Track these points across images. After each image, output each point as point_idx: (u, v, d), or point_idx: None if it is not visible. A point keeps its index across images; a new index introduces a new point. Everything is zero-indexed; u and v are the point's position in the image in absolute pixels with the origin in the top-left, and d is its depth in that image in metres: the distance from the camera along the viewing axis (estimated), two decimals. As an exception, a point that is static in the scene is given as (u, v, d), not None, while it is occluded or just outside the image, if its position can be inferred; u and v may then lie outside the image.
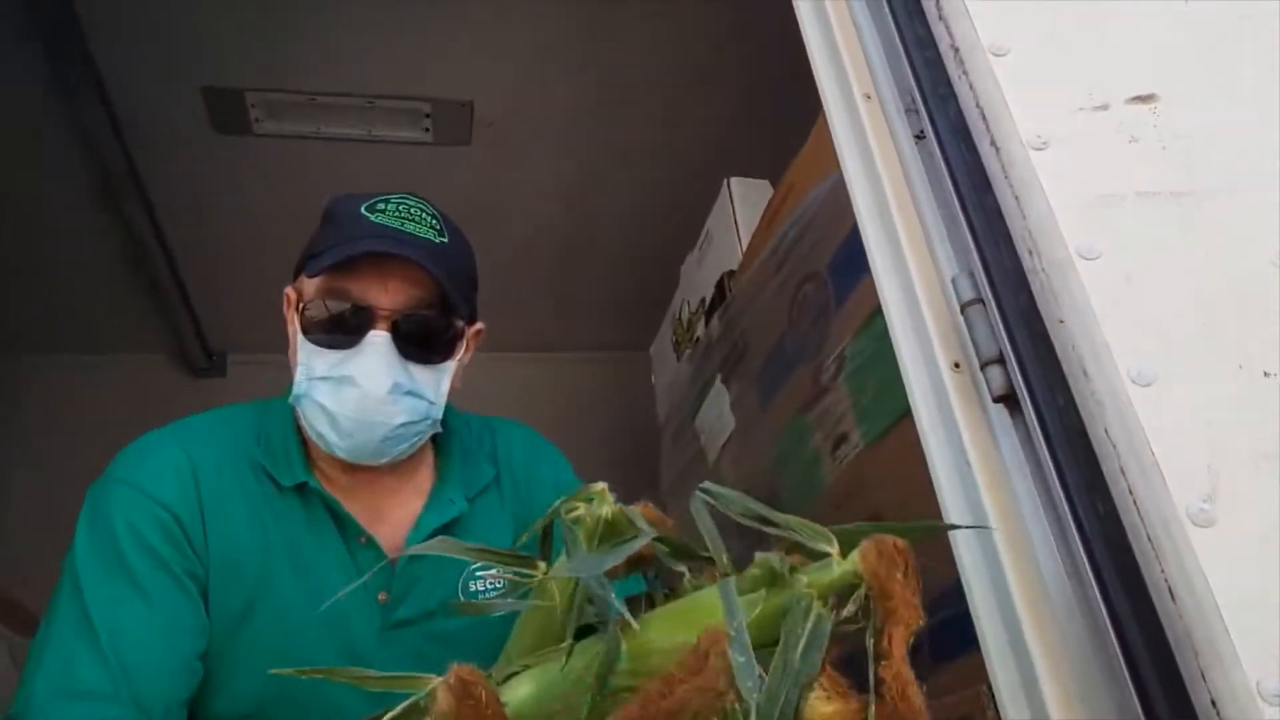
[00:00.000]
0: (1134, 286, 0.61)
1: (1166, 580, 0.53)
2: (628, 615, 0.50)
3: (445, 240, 1.00)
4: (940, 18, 0.76)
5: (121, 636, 0.88)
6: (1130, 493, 0.56)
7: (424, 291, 0.97)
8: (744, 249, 1.39)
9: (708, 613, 0.49)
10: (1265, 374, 0.58)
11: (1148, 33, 0.73)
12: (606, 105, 2.27)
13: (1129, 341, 0.59)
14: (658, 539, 0.56)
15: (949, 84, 0.77)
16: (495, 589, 1.03)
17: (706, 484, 0.56)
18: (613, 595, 0.50)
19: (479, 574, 1.03)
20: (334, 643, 0.96)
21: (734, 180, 1.51)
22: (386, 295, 0.96)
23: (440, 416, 1.01)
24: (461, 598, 1.01)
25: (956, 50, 0.74)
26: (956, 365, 0.73)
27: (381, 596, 0.99)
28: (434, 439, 1.05)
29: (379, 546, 1.00)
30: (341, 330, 0.96)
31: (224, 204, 2.40)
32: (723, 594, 0.47)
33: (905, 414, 0.90)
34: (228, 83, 2.11)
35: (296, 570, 0.97)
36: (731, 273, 1.38)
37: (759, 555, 0.50)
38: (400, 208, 0.99)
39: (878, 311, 0.96)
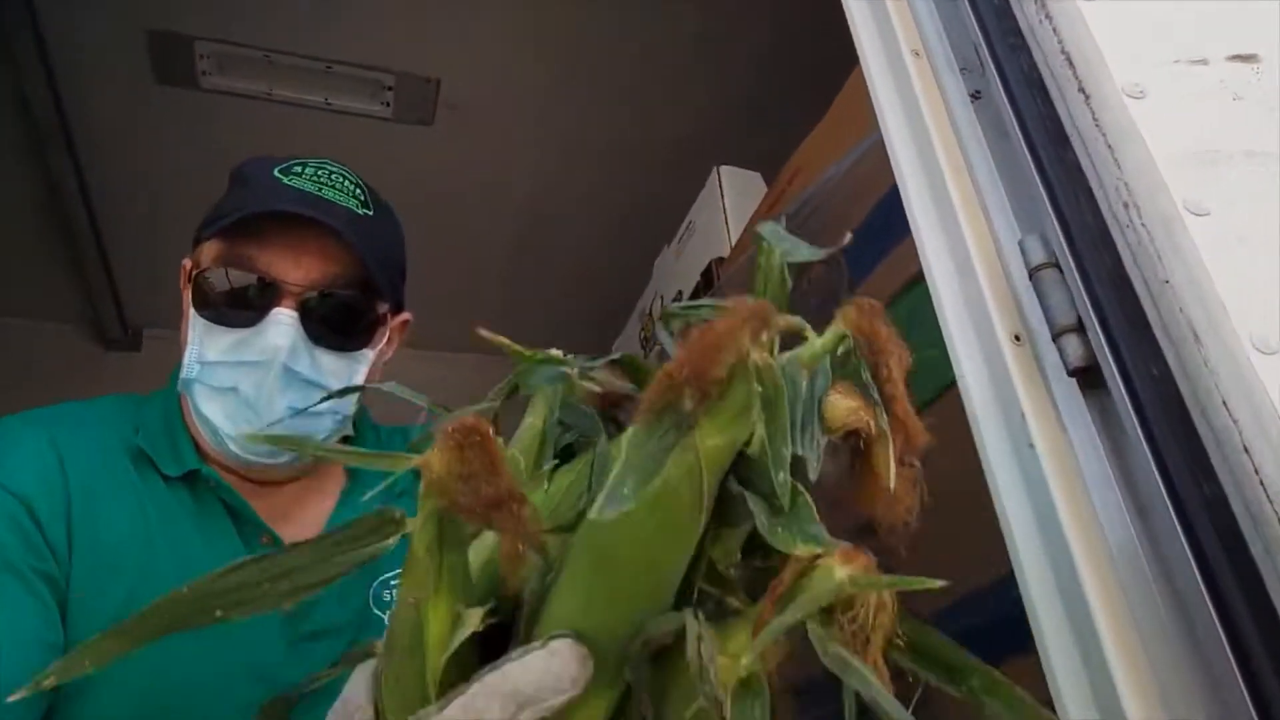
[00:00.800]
0: (1248, 248, 0.54)
1: (1304, 575, 0.45)
2: (599, 426, 0.48)
3: (370, 213, 0.87)
4: (1016, -41, 0.69)
5: None
6: (1257, 473, 0.48)
7: (341, 268, 0.84)
8: (733, 238, 1.31)
9: None
10: (1398, 350, 0.51)
11: (1246, -10, 0.67)
12: (580, 97, 2.19)
13: (1248, 305, 0.52)
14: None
15: (1019, 33, 0.70)
16: None
17: (674, 305, 0.53)
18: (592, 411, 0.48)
19: (392, 583, 0.89)
20: (234, 658, 0.80)
21: (724, 169, 1.44)
22: (298, 269, 0.83)
23: (349, 414, 0.88)
24: (373, 608, 0.88)
25: (1037, -8, 0.67)
26: (1017, 338, 0.65)
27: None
28: (343, 440, 0.92)
29: (283, 549, 0.85)
30: (242, 305, 0.82)
31: (158, 163, 2.22)
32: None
33: (933, 400, 0.82)
34: (177, 28, 1.96)
35: (183, 572, 0.80)
36: (720, 260, 1.30)
37: None
38: (320, 172, 0.87)
39: (902, 292, 0.89)
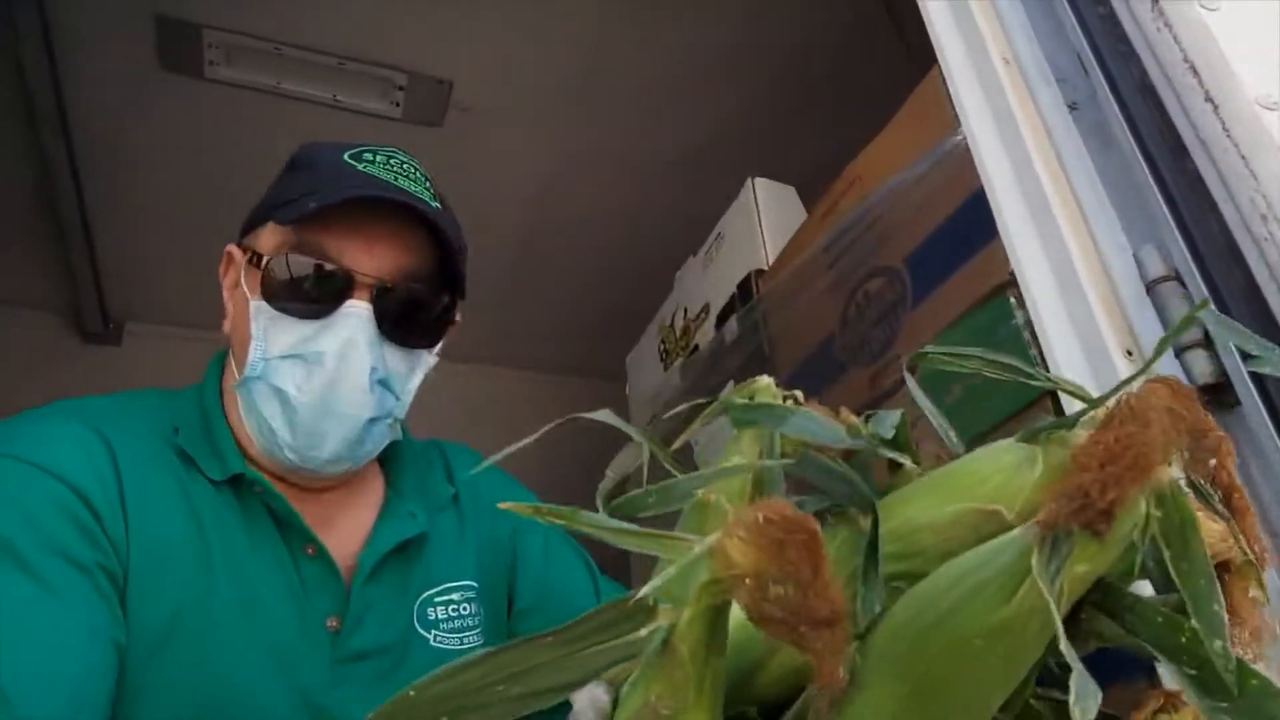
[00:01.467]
0: (1399, 264, 0.52)
1: None
2: (868, 490, 0.40)
3: (439, 206, 0.83)
4: (1130, -33, 0.68)
5: (18, 648, 0.63)
6: None
7: (415, 260, 0.80)
8: (769, 250, 1.28)
9: (982, 476, 0.39)
10: None
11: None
12: (595, 104, 2.16)
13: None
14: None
15: (1128, 40, 0.69)
16: (457, 617, 0.85)
17: (927, 349, 0.46)
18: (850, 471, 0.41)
19: (437, 600, 0.84)
20: (279, 678, 0.75)
21: (759, 181, 1.42)
22: (372, 260, 0.78)
23: (403, 418, 0.84)
24: (417, 627, 0.83)
25: (1156, 2, 0.65)
26: (1129, 353, 0.63)
27: (331, 623, 0.78)
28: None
29: (330, 559, 0.80)
30: (312, 297, 0.77)
31: (156, 153, 2.15)
32: None
33: (1004, 420, 0.80)
34: (186, 15, 1.90)
35: (235, 576, 0.76)
36: (760, 272, 1.27)
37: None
38: (392, 161, 0.83)
39: (979, 306, 0.86)
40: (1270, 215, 0.56)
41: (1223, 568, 0.33)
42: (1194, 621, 0.29)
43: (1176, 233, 0.61)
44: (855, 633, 0.35)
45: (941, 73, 0.89)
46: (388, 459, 0.87)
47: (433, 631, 0.82)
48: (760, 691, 0.40)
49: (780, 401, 0.46)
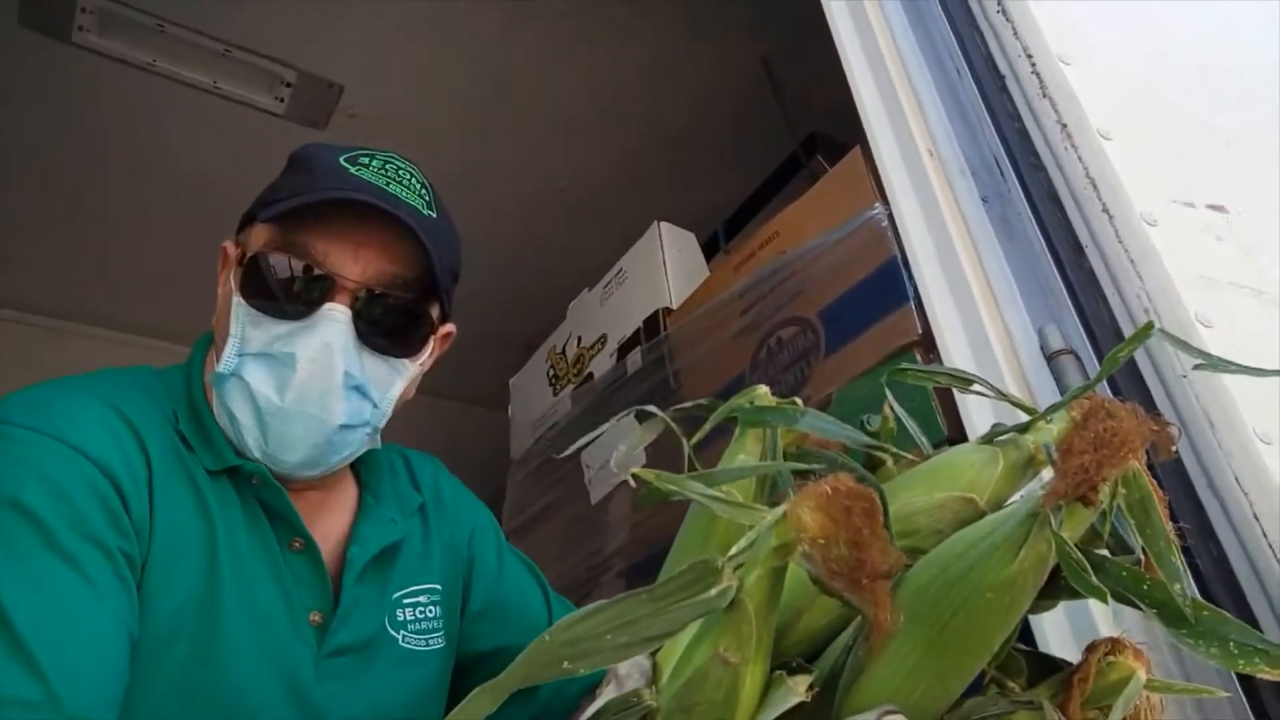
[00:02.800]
0: (1243, 358, 0.68)
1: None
2: (869, 476, 0.45)
3: (434, 215, 0.83)
4: (1044, 95, 0.82)
5: (54, 627, 0.61)
6: (1264, 536, 0.60)
7: (401, 268, 0.79)
8: (673, 291, 1.37)
9: (958, 471, 0.46)
10: (1344, 453, 0.65)
11: (1214, 151, 0.83)
12: (491, 129, 2.20)
13: (1249, 402, 0.64)
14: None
15: (1038, 154, 0.83)
16: (423, 619, 0.86)
17: (905, 366, 0.53)
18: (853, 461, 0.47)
19: (406, 602, 0.85)
20: (273, 672, 0.74)
21: (664, 225, 1.52)
22: (356, 264, 0.77)
23: (380, 427, 0.84)
24: (387, 628, 0.83)
25: (1065, 127, 0.80)
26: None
27: (314, 618, 0.78)
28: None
29: (318, 554, 0.80)
30: (292, 297, 0.77)
31: (7, 117, 1.98)
32: None
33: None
34: (63, -27, 1.78)
35: (238, 567, 0.75)
36: (668, 310, 1.35)
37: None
38: (388, 166, 0.82)
39: (886, 361, 0.98)
40: (1151, 309, 0.70)
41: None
42: (1159, 573, 0.38)
43: (1075, 316, 0.75)
44: None
45: (864, 153, 1.01)
46: (360, 462, 0.87)
47: (401, 632, 0.83)
48: (786, 649, 0.46)
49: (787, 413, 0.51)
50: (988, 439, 0.48)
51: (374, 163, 0.81)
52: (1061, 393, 0.74)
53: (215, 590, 0.72)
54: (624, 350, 1.43)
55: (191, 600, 0.71)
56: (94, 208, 2.19)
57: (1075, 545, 0.39)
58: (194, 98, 2.03)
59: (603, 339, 1.53)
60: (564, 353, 1.67)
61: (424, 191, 0.83)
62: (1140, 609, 0.38)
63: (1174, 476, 0.66)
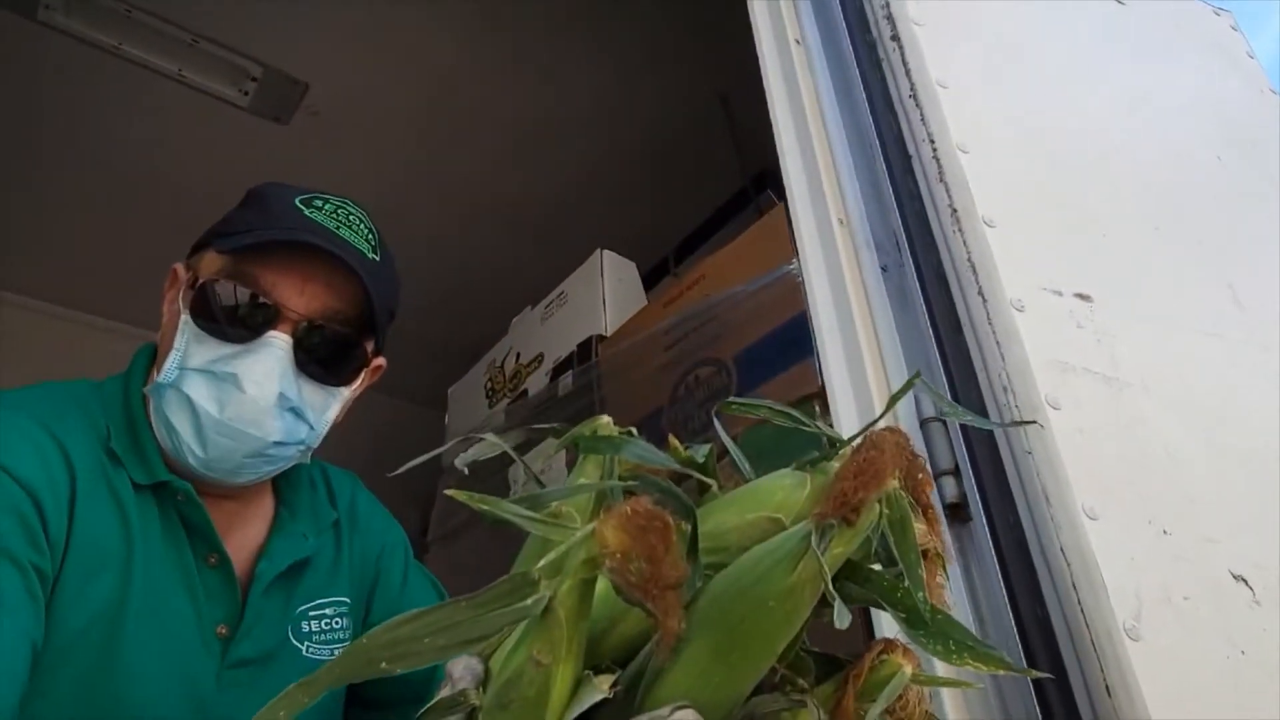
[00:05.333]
0: (1084, 438, 0.75)
1: (1106, 682, 0.64)
2: (684, 497, 0.50)
3: (377, 259, 0.90)
4: (941, 180, 0.90)
5: None
6: (1079, 604, 0.67)
7: (342, 304, 0.86)
8: (609, 318, 1.43)
9: (770, 494, 0.51)
10: (1164, 532, 0.73)
11: (1088, 241, 0.91)
12: (446, 140, 2.24)
13: (1082, 480, 0.72)
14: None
15: (932, 234, 0.90)
16: (329, 630, 0.91)
17: (732, 399, 0.60)
18: (674, 487, 0.51)
19: (312, 614, 0.90)
20: (174, 681, 0.78)
21: (607, 254, 1.57)
22: (301, 298, 0.84)
23: (315, 446, 0.90)
24: (291, 639, 0.88)
25: (955, 212, 0.87)
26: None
27: (221, 630, 0.83)
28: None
29: (231, 569, 0.85)
30: (238, 322, 0.82)
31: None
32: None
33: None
34: (33, -49, 1.80)
35: (146, 585, 0.79)
36: (602, 337, 1.41)
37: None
38: (340, 212, 0.89)
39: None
40: (1009, 388, 0.78)
41: (922, 554, 0.47)
42: (907, 582, 0.43)
43: (946, 388, 0.82)
44: (682, 603, 0.44)
45: (787, 212, 1.08)
46: (281, 476, 0.92)
47: (305, 643, 0.87)
48: (603, 654, 0.51)
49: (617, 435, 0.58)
50: (800, 465, 0.55)
51: (327, 207, 0.87)
52: (930, 455, 0.82)
53: (125, 602, 0.76)
54: (558, 371, 1.49)
55: (104, 611, 0.75)
56: (49, 185, 2.20)
57: (851, 559, 0.45)
58: (160, 85, 2.05)
59: (539, 358, 1.59)
60: (502, 367, 1.72)
61: (370, 236, 0.90)
62: (892, 614, 0.44)
63: (1014, 545, 0.73)
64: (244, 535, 0.88)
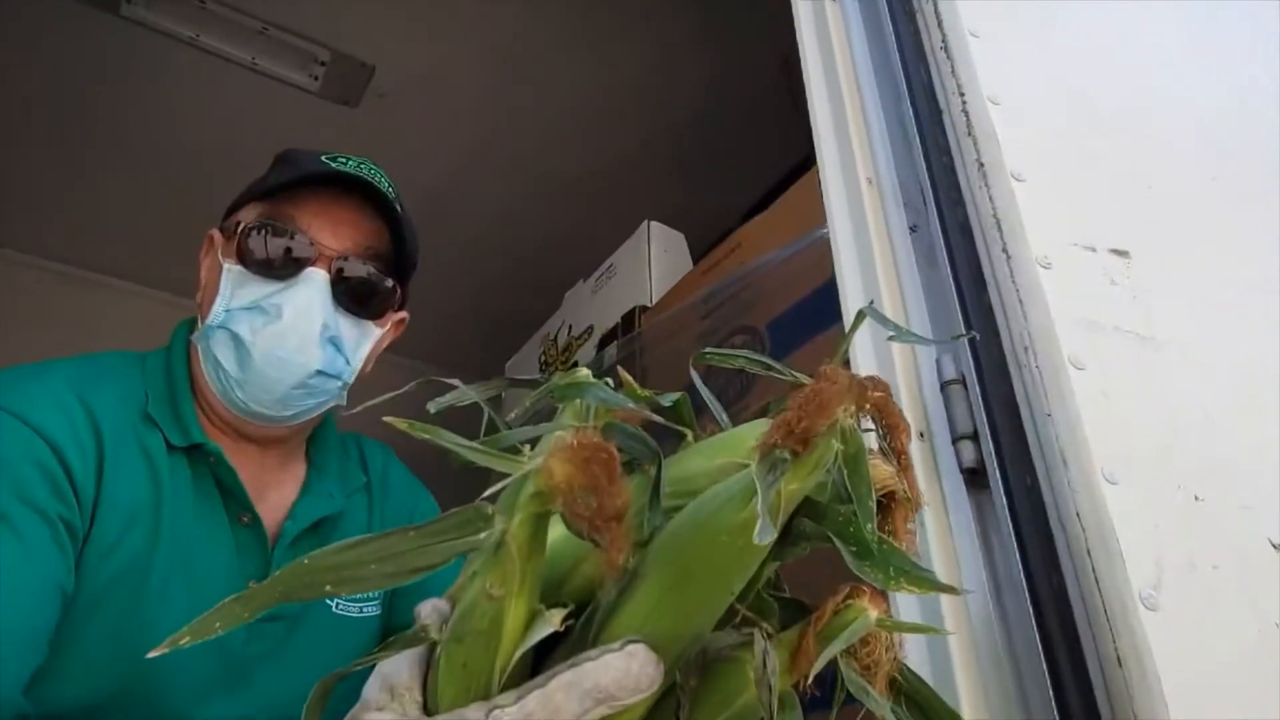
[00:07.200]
0: (1109, 400, 0.71)
1: (1117, 652, 0.61)
2: (655, 446, 0.49)
3: (400, 210, 0.96)
4: (969, 134, 0.86)
5: None
6: (1093, 570, 0.64)
7: (373, 241, 0.94)
8: (654, 290, 1.43)
9: (741, 440, 0.50)
10: (1196, 498, 0.69)
11: (1131, 196, 0.86)
12: (512, 114, 2.26)
13: (1103, 443, 0.68)
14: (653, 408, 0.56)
15: (959, 189, 0.87)
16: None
17: (707, 350, 0.58)
18: (642, 432, 0.50)
19: None
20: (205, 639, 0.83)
21: (654, 225, 1.57)
22: (335, 237, 0.91)
23: (349, 384, 0.95)
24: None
25: (982, 166, 0.83)
26: (921, 435, 0.80)
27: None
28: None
29: (262, 528, 0.90)
30: (279, 262, 0.89)
31: (55, 81, 2.10)
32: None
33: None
34: (113, -49, 1.89)
35: (180, 541, 0.84)
36: (645, 308, 1.41)
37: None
38: (363, 166, 0.95)
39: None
40: (1030, 348, 0.74)
41: (890, 498, 0.47)
42: (857, 516, 0.42)
43: (968, 349, 0.79)
44: (641, 541, 0.46)
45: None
46: (312, 441, 0.97)
47: (335, 600, 0.91)
48: (566, 596, 0.51)
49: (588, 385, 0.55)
50: (775, 413, 0.54)
51: (351, 162, 0.93)
52: (950, 418, 0.79)
53: (153, 556, 0.81)
54: (604, 343, 1.50)
55: (133, 565, 0.80)
56: (129, 170, 2.32)
57: (808, 496, 0.44)
58: (234, 73, 2.14)
59: (589, 330, 1.60)
60: (555, 340, 1.74)
61: (392, 190, 0.95)
62: (841, 547, 0.43)
63: (1031, 510, 0.70)
64: (279, 495, 0.93)
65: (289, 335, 0.87)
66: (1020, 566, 0.69)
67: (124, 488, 0.81)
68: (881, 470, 0.47)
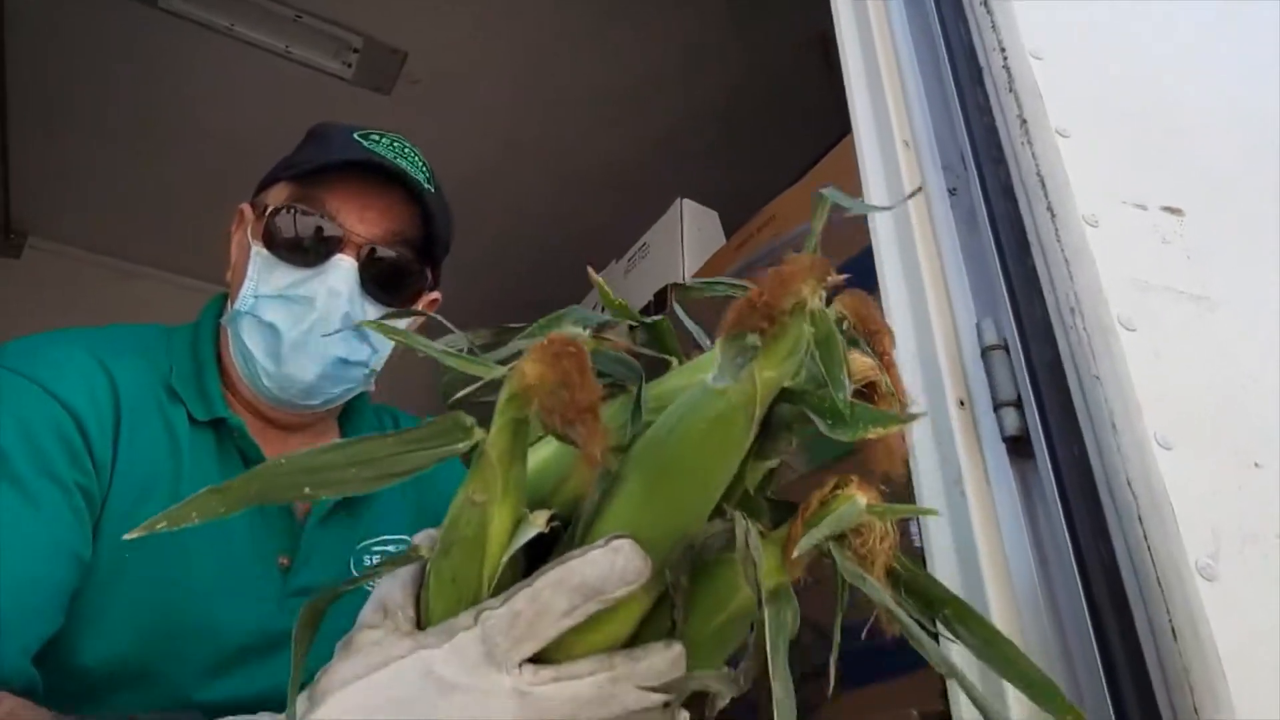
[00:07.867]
0: (1162, 363, 0.68)
1: (1172, 624, 0.58)
2: (638, 366, 0.50)
3: (433, 191, 0.94)
4: (1011, 90, 0.82)
5: None
6: (1145, 539, 0.61)
7: (403, 227, 0.92)
8: (687, 268, 1.40)
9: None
10: (1255, 464, 0.65)
11: (1183, 153, 0.82)
12: (543, 98, 2.25)
13: (1155, 407, 0.65)
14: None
15: (1000, 147, 0.83)
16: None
17: (689, 280, 0.59)
18: (626, 355, 0.51)
19: (375, 549, 0.94)
20: (236, 604, 0.83)
21: (687, 202, 1.54)
22: (363, 223, 0.89)
23: (377, 370, 0.94)
24: (353, 571, 0.92)
25: (1024, 122, 0.80)
26: (961, 403, 0.77)
27: (283, 560, 0.88)
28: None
29: (288, 504, 0.89)
30: (307, 248, 0.88)
31: (92, 68, 2.13)
32: None
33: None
34: (149, -59, 1.91)
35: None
36: (676, 285, 1.39)
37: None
38: (395, 145, 0.93)
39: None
40: (1077, 310, 0.71)
41: (872, 389, 0.46)
42: (830, 388, 0.41)
43: (1010, 312, 0.76)
44: (622, 446, 0.46)
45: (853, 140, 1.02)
46: (344, 416, 0.96)
47: (372, 583, 0.91)
48: (556, 509, 0.49)
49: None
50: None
51: (384, 140, 0.92)
52: (991, 385, 0.76)
53: (175, 531, 0.80)
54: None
55: (150, 538, 0.79)
56: (163, 160, 2.34)
57: (786, 385, 0.43)
58: (269, 61, 2.15)
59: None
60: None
61: (425, 169, 0.93)
62: (816, 420, 0.42)
63: (1078, 478, 0.67)
64: None
65: (316, 325, 0.86)
66: (1067, 537, 0.66)
67: (141, 456, 0.81)
68: (861, 361, 0.46)
